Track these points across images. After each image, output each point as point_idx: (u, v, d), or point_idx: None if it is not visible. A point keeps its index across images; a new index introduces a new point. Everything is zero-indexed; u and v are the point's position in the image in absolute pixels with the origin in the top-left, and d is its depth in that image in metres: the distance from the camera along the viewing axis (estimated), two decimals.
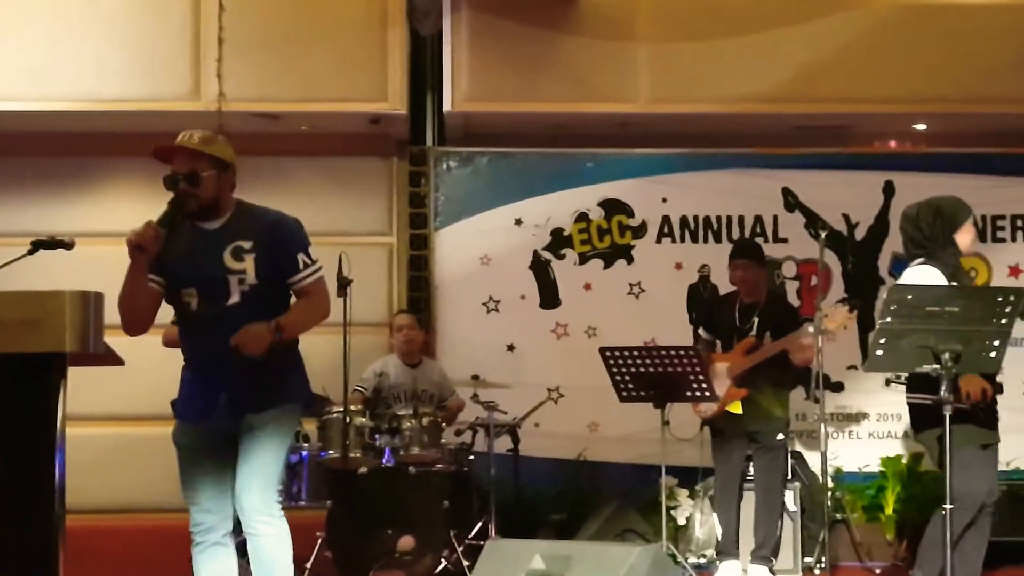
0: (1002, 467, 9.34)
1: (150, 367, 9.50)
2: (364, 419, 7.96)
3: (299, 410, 5.39)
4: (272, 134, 9.94)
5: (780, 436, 8.13)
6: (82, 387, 5.28)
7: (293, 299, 5.29)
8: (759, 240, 9.73)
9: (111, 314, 5.59)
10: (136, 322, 5.18)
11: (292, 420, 5.32)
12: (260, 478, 5.12)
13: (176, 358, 9.21)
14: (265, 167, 9.90)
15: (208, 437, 5.21)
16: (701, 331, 8.49)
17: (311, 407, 5.66)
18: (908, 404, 6.30)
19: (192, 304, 5.18)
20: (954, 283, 6.08)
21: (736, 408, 8.00)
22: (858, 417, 9.70)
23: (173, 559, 8.69)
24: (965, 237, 6.26)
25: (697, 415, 8.20)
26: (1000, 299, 5.60)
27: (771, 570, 8.14)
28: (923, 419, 6.13)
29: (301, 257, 5.20)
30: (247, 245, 5.14)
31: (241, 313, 5.09)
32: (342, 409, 7.69)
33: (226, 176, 5.25)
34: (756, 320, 8.11)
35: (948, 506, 5.68)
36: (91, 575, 8.25)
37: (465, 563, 7.55)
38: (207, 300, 5.15)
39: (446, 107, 9.69)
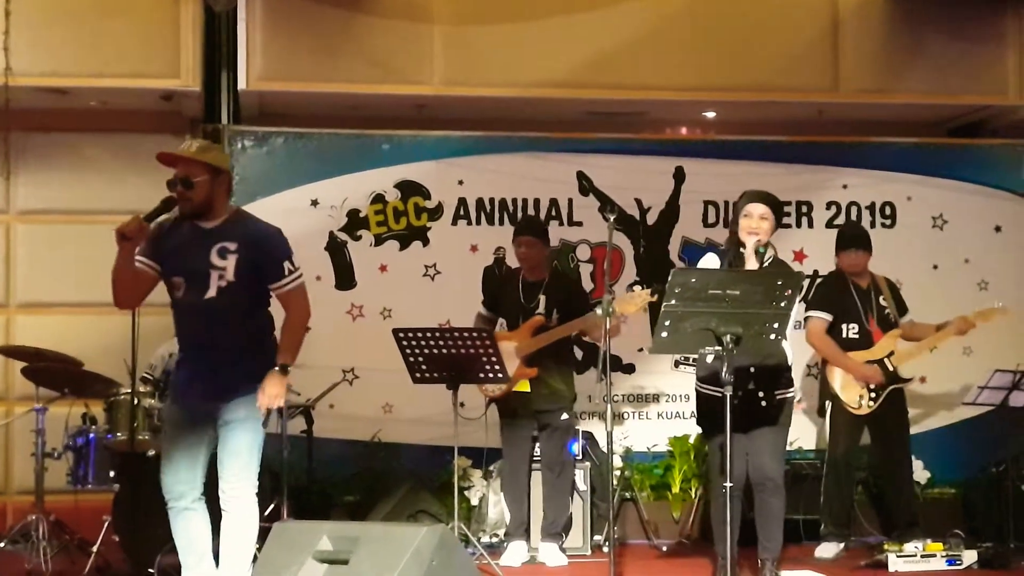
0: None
1: None
2: (153, 401, 7.83)
3: None
4: (62, 110, 9.73)
5: (565, 416, 8.26)
6: None
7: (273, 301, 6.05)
8: (554, 223, 9.86)
9: None
10: (122, 298, 5.92)
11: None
12: (236, 467, 5.80)
13: None
14: (55, 143, 9.71)
15: (186, 415, 5.89)
16: (482, 309, 8.54)
17: None
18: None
19: (179, 292, 5.88)
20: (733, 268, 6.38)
21: (524, 387, 8.10)
22: (648, 398, 9.89)
23: None
24: (741, 224, 6.64)
25: (483, 394, 8.27)
26: (780, 283, 5.80)
27: (561, 547, 8.27)
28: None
29: (286, 265, 5.93)
30: (232, 247, 5.82)
31: (216, 307, 5.80)
32: (130, 391, 7.54)
33: (219, 181, 5.89)
34: (542, 299, 8.21)
35: (728, 484, 5.87)
36: None
37: (256, 545, 7.48)
38: (190, 290, 5.83)
39: (241, 85, 9.56)
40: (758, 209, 6.67)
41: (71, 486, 7.93)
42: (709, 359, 6.59)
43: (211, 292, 5.81)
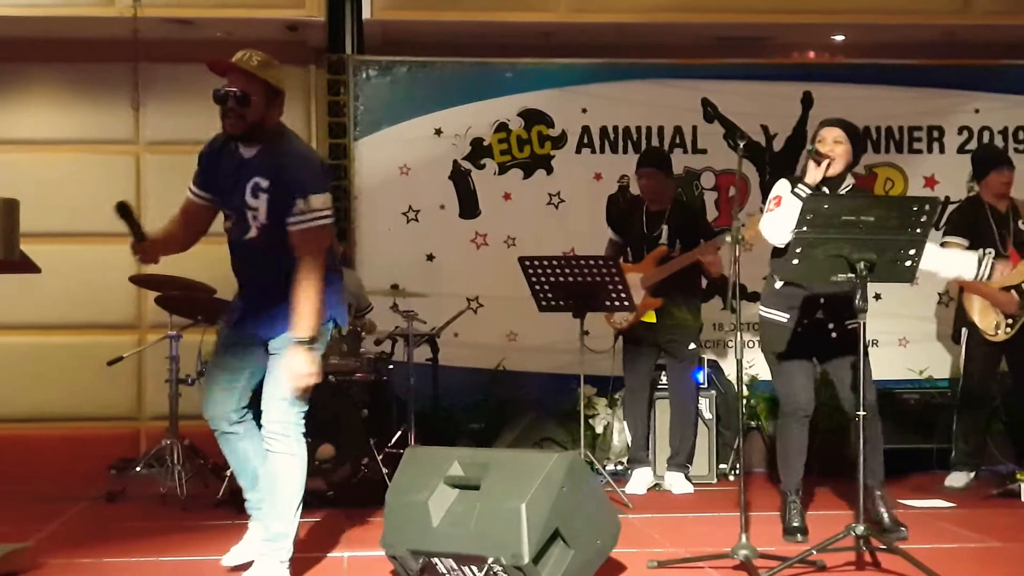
0: (914, 375, 9.58)
1: (67, 275, 9.48)
2: None
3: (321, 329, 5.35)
4: (187, 40, 9.79)
5: (692, 346, 8.21)
6: None
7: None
8: (678, 151, 9.79)
9: (27, 221, 5.55)
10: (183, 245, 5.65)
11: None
12: (277, 399, 5.31)
13: (92, 268, 9.20)
14: (181, 74, 9.75)
15: (233, 341, 5.51)
16: (612, 234, 8.50)
17: (340, 324, 5.60)
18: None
19: (228, 224, 5.43)
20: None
21: (650, 318, 8.08)
22: None
23: (88, 466, 8.72)
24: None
25: (611, 326, 8.27)
26: (915, 208, 5.67)
27: (687, 477, 8.26)
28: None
29: (300, 203, 5.18)
30: (264, 184, 5.24)
31: (257, 248, 5.32)
32: None
33: (275, 103, 5.33)
34: (665, 228, 8.15)
35: (861, 412, 5.77)
36: (3, 483, 8.26)
37: (384, 471, 7.57)
38: (234, 227, 5.38)
39: (365, 15, 9.57)
40: (832, 133, 6.45)
41: None
42: (777, 285, 6.47)
43: (251, 233, 5.32)
